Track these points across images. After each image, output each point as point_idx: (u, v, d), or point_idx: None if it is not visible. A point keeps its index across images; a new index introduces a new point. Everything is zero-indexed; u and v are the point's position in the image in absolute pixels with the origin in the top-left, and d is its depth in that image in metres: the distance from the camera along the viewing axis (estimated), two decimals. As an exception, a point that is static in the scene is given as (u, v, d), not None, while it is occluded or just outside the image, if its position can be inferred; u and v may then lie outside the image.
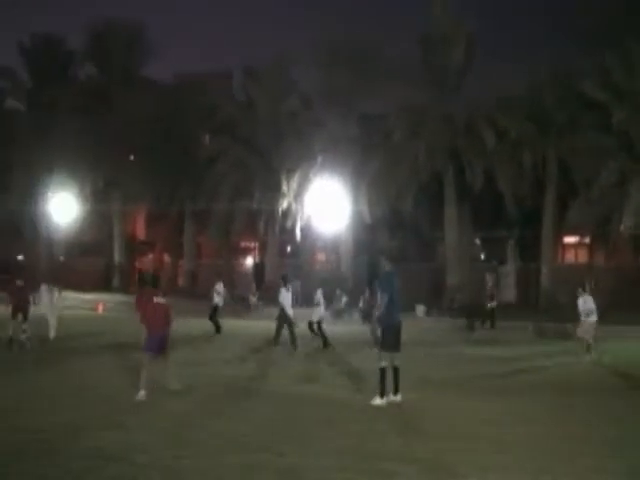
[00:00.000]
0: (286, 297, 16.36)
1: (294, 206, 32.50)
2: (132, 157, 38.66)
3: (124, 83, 38.24)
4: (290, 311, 16.32)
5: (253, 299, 30.34)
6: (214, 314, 19.35)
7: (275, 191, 32.61)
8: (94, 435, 7.71)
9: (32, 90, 40.89)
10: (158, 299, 10.59)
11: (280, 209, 32.72)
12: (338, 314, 25.88)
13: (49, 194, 37.02)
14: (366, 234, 32.88)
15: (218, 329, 19.09)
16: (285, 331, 16.23)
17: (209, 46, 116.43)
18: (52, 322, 16.85)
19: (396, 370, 9.54)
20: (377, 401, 9.39)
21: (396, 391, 9.59)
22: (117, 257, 39.49)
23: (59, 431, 7.92)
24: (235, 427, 8.28)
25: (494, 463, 6.86)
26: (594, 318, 14.38)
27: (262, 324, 22.04)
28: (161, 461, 6.77)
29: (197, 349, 15.97)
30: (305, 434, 7.95)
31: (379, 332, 9.82)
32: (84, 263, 40.04)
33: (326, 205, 30.68)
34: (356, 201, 31.08)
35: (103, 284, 38.14)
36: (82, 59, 41.41)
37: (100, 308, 27.21)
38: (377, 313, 10.12)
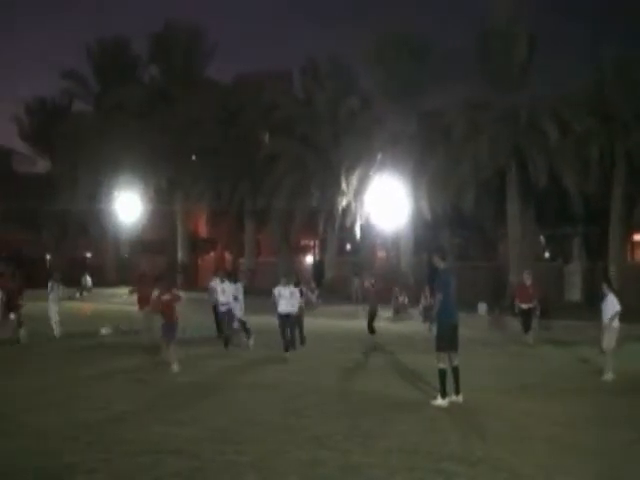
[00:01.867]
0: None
1: (353, 204, 32.44)
2: (194, 157, 39.35)
3: (186, 84, 38.94)
4: None
5: (312, 297, 30.43)
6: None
7: (334, 189, 32.62)
8: (158, 430, 7.88)
9: (99, 93, 42.12)
10: (165, 297, 12.46)
11: (339, 207, 32.72)
12: (397, 312, 25.73)
13: (115, 194, 38.11)
14: (426, 231, 32.55)
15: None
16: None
17: (270, 45, 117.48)
18: (55, 319, 17.00)
19: (456, 370, 9.41)
20: (438, 401, 9.28)
21: (457, 392, 9.43)
22: (180, 255, 40.26)
23: (111, 426, 8.09)
24: (298, 423, 8.33)
25: (559, 465, 6.70)
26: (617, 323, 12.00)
27: (321, 322, 22.10)
28: (223, 456, 6.87)
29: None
30: (367, 432, 7.93)
31: (434, 332, 9.59)
32: (148, 261, 41.01)
33: (386, 203, 30.50)
34: (416, 198, 30.79)
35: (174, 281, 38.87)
36: (146, 62, 42.42)
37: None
38: (433, 312, 9.88)
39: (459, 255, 34.82)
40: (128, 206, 37.65)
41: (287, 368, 12.76)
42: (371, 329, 17.04)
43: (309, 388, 10.62)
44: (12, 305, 15.78)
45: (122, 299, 26.05)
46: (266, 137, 38.48)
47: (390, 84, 32.19)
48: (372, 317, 17.23)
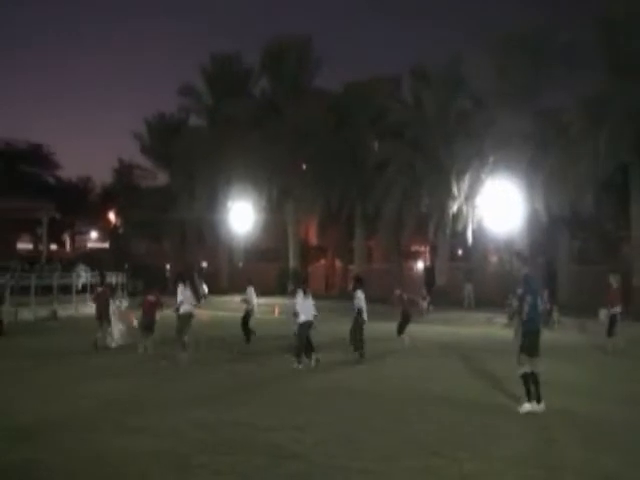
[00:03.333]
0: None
1: (465, 208, 31.75)
2: (304, 166, 39.94)
3: (296, 94, 39.64)
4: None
5: (424, 303, 30.03)
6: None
7: (445, 193, 32.07)
8: (272, 434, 7.99)
9: (212, 107, 43.68)
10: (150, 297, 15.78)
11: (450, 211, 32.12)
12: (511, 318, 24.90)
13: (229, 204, 39.35)
14: (542, 234, 31.35)
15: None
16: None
17: (378, 50, 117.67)
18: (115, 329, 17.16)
19: (535, 377, 9.12)
20: (525, 407, 9.11)
21: (539, 400, 9.11)
22: (291, 263, 40.94)
23: (237, 428, 8.29)
24: (408, 429, 8.21)
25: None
26: None
27: (434, 328, 21.77)
28: (336, 461, 6.86)
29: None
30: (477, 440, 7.70)
31: (520, 336, 9.37)
32: (261, 269, 41.96)
33: (499, 205, 29.66)
34: (531, 200, 29.72)
35: (279, 288, 39.68)
36: (257, 74, 43.56)
37: (277, 311, 28.29)
38: (520, 317, 9.47)
39: (579, 258, 33.27)
40: (241, 215, 38.79)
41: (398, 374, 12.62)
42: (401, 331, 17.19)
43: (420, 394, 10.46)
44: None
45: (233, 306, 26.85)
46: (375, 143, 38.46)
47: (500, 83, 31.29)
48: (406, 321, 17.37)
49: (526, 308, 9.12)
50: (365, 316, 14.66)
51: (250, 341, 17.07)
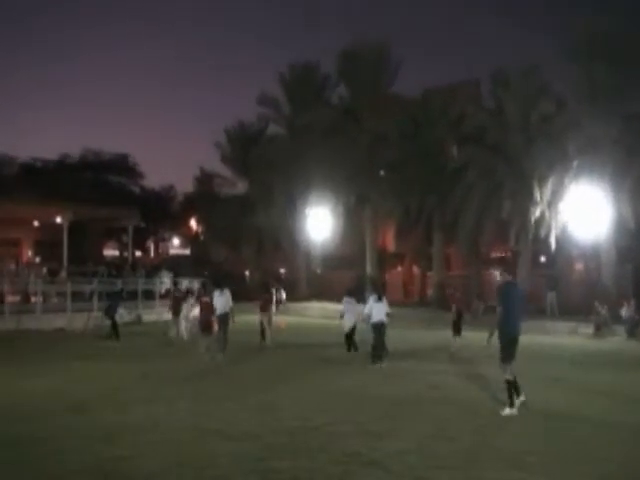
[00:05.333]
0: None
1: (547, 213, 30.81)
2: (382, 172, 39.76)
3: (373, 101, 39.55)
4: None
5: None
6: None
7: (527, 198, 31.21)
8: (350, 441, 7.95)
9: (290, 115, 44.17)
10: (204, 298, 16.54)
11: (532, 217, 31.24)
12: (599, 328, 23.98)
13: (306, 210, 39.64)
14: (630, 240, 30.04)
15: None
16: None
17: (457, 55, 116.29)
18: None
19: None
20: (506, 411, 9.41)
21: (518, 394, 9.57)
22: (368, 269, 40.80)
23: (314, 434, 8.31)
24: (488, 440, 8.01)
25: None
26: None
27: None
28: (415, 471, 6.77)
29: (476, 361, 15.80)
30: (561, 453, 7.44)
31: (491, 342, 9.83)
32: (338, 275, 41.99)
33: (583, 211, 28.66)
34: (617, 205, 28.55)
35: (356, 295, 39.59)
36: (334, 82, 43.77)
37: (283, 324, 28.27)
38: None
39: (510, 267, 31.73)
40: (319, 222, 38.99)
41: (475, 384, 12.36)
42: (457, 331, 17.87)
43: (500, 405, 10.18)
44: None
45: (311, 312, 27.10)
46: (454, 148, 37.91)
47: (586, 86, 30.26)
48: (459, 319, 18.21)
49: (501, 316, 9.43)
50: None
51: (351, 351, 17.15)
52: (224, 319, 16.22)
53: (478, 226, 33.22)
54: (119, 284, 28.11)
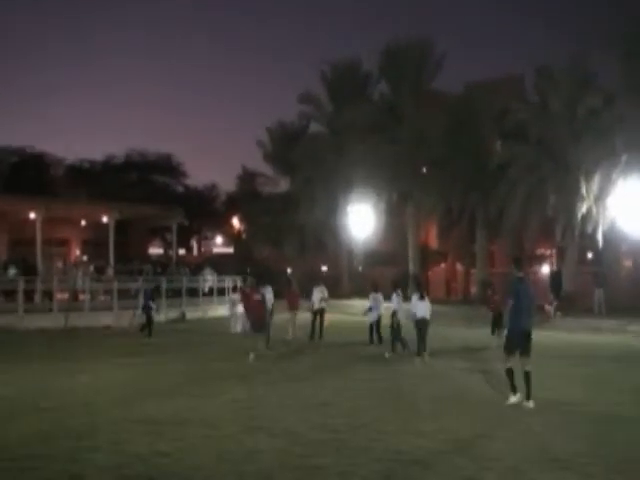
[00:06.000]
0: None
1: (594, 209, 30.18)
2: (424, 169, 39.47)
3: (415, 98, 39.28)
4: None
5: (550, 309, 28.84)
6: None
7: (573, 194, 30.62)
8: (393, 439, 7.92)
9: (332, 113, 44.17)
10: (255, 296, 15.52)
11: (579, 213, 30.64)
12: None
13: (348, 208, 39.61)
14: (682, 236, 29.24)
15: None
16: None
17: (499, 50, 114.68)
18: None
19: (527, 375, 9.85)
20: (511, 400, 9.98)
21: (528, 397, 9.80)
22: (411, 267, 40.59)
23: (357, 432, 8.28)
24: (536, 440, 7.87)
25: None
26: None
27: (558, 335, 20.88)
28: (462, 471, 6.69)
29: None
30: (610, 454, 7.26)
31: (504, 335, 10.25)
32: (381, 273, 41.93)
33: (632, 207, 27.99)
34: (668, 201, 27.81)
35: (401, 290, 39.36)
36: (376, 79, 43.61)
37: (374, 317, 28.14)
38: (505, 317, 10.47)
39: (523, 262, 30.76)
40: (361, 219, 38.92)
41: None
42: (494, 330, 17.92)
43: (550, 405, 10.01)
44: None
45: (353, 310, 27.09)
46: (497, 144, 37.40)
47: (633, 78, 29.50)
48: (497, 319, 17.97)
49: (508, 310, 9.98)
50: (400, 316, 16.31)
51: (374, 343, 18.15)
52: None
53: (522, 222, 32.73)
54: (162, 282, 28.54)
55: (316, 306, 20.33)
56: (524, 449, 7.53)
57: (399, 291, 17.20)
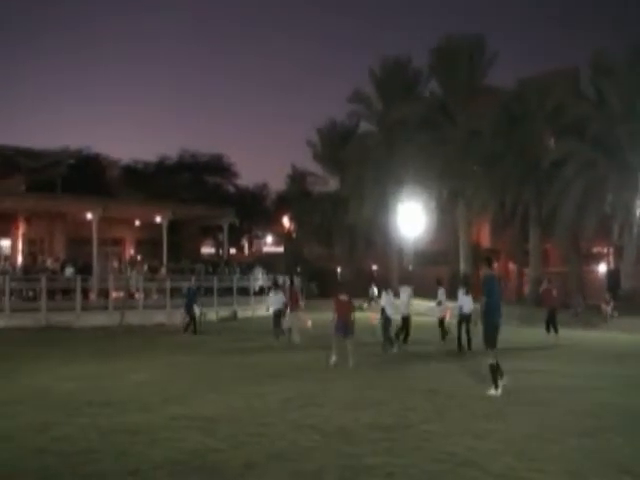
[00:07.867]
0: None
1: (654, 207, 29.33)
2: (475, 167, 38.94)
3: (466, 95, 38.81)
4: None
5: (607, 308, 28.15)
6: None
7: (631, 191, 29.80)
8: (446, 440, 7.82)
9: (381, 111, 44.01)
10: (343, 297, 14.33)
11: (638, 211, 29.80)
12: None
13: (398, 206, 39.40)
14: None
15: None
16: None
17: (553, 44, 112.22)
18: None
19: (492, 367, 10.39)
20: (491, 391, 10.37)
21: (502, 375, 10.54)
22: (462, 266, 40.11)
23: (409, 432, 8.22)
24: (595, 444, 7.66)
25: None
26: None
27: (612, 335, 20.32)
28: (515, 472, 6.56)
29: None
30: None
31: (481, 330, 10.60)
32: (431, 272, 41.53)
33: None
34: None
35: (450, 292, 38.96)
36: (426, 76, 43.24)
37: (448, 315, 27.85)
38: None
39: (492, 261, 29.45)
40: (411, 218, 38.61)
41: (579, 384, 11.89)
42: (549, 328, 18.63)
43: (604, 408, 9.73)
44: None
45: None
46: (551, 141, 36.62)
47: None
48: (552, 316, 18.96)
49: (484, 306, 10.33)
50: (389, 313, 16.67)
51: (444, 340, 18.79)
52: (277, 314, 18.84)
53: (577, 221, 32.00)
54: (214, 281, 28.90)
55: (404, 311, 17.85)
56: (582, 453, 7.33)
57: (389, 290, 17.50)
